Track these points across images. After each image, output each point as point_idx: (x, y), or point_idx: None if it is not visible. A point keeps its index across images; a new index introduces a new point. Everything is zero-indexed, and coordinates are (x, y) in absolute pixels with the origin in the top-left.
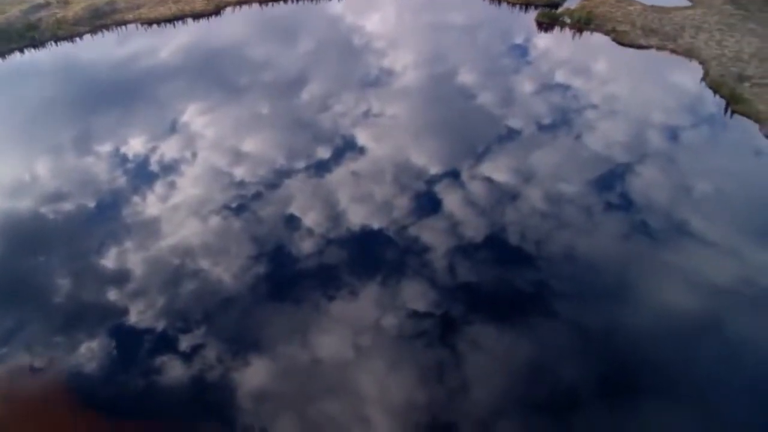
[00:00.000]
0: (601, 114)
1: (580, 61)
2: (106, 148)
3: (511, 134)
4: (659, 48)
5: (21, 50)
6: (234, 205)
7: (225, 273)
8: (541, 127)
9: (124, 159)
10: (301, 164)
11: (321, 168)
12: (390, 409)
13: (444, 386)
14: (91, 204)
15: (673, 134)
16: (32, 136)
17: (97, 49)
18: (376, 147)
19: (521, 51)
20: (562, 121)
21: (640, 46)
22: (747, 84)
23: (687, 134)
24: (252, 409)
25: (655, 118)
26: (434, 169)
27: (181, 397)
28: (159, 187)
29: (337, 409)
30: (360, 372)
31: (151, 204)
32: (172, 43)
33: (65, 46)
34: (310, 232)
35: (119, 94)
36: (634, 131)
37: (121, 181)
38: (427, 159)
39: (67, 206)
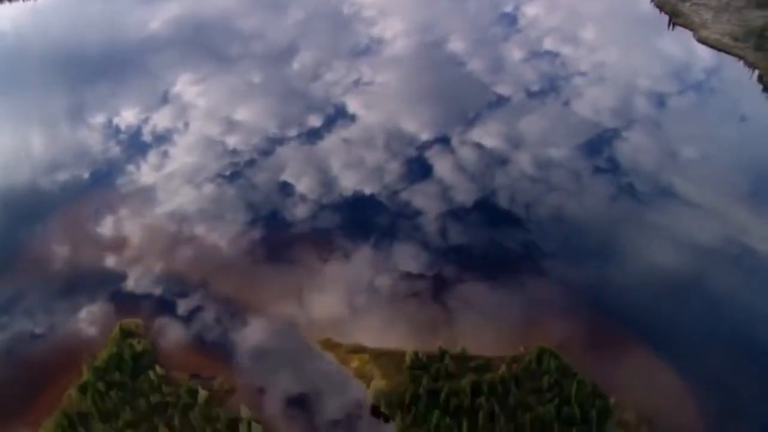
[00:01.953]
0: (575, 26)
1: None
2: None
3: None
4: None
5: None
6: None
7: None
8: (518, 33)
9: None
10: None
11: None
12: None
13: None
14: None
15: (627, 39)
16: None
17: None
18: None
19: None
20: (539, 28)
21: None
22: (688, 3)
23: (638, 39)
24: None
25: (613, 30)
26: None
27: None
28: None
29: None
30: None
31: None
32: None
33: None
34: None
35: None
36: (597, 39)
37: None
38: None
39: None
